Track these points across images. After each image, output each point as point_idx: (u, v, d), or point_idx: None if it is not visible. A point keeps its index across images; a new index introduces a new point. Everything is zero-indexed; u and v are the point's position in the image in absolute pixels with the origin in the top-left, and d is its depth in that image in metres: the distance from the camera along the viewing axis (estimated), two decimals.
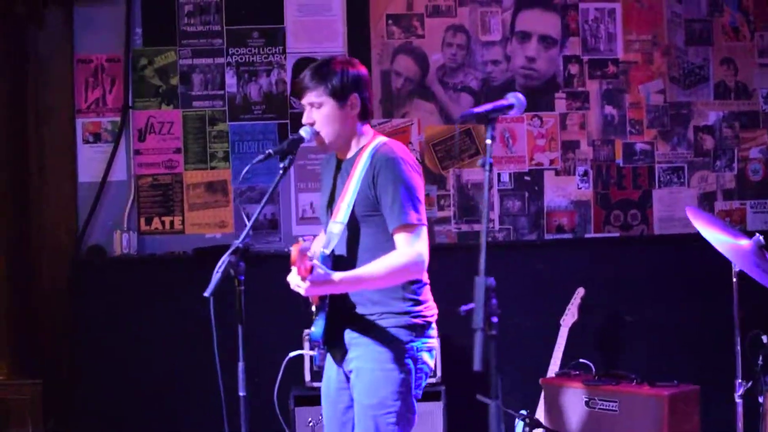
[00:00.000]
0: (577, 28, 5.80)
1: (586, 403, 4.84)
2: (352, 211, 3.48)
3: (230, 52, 5.64)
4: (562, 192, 5.81)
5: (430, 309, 3.56)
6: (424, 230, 3.47)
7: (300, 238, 3.41)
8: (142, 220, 5.66)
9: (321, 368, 3.76)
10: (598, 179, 5.83)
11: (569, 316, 5.28)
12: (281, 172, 3.49)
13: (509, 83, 5.73)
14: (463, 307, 2.56)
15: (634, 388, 4.71)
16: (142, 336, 5.59)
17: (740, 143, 5.94)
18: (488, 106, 2.89)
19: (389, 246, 3.45)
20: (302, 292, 3.33)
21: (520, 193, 5.77)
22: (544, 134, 5.76)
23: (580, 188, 5.82)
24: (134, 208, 5.68)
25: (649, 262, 5.72)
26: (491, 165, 2.76)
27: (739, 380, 3.96)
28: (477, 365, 2.44)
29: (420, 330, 3.52)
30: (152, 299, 5.58)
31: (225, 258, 3.36)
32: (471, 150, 5.79)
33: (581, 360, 5.10)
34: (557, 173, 5.81)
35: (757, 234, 4.00)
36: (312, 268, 3.28)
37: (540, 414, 5.01)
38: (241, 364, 3.43)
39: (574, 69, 5.79)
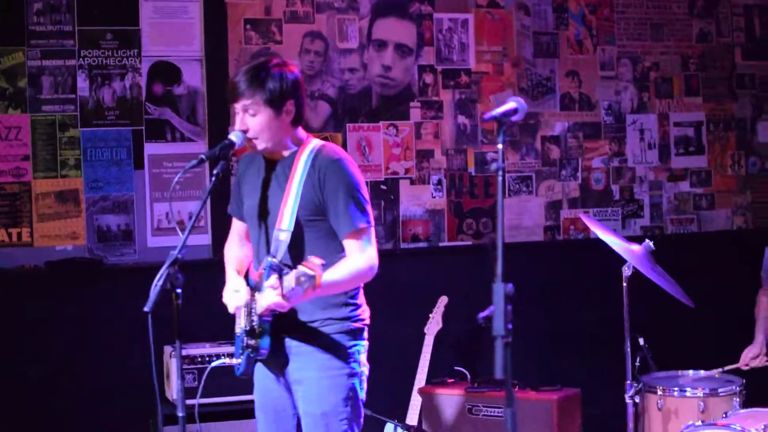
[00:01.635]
0: (431, 37, 6.60)
1: (469, 410, 5.62)
2: (297, 219, 3.91)
3: (82, 54, 6.15)
4: (417, 201, 6.57)
5: (366, 312, 4.11)
6: (373, 232, 4.02)
7: (268, 258, 3.85)
8: None
9: (247, 376, 4.08)
10: (452, 188, 6.61)
11: (433, 324, 6.07)
12: (213, 179, 3.82)
13: (366, 91, 6.48)
14: (481, 314, 3.12)
15: (520, 394, 5.50)
16: None
17: (584, 153, 6.87)
18: (499, 111, 3.30)
19: (333, 250, 3.94)
20: (281, 310, 3.78)
21: (377, 202, 6.50)
22: (399, 143, 6.51)
23: (434, 197, 6.59)
24: None
25: (507, 268, 6.52)
26: (503, 169, 3.21)
27: (629, 381, 4.79)
28: (498, 373, 3.01)
29: (359, 333, 4.06)
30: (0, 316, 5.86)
31: (164, 270, 3.64)
32: None
33: (456, 367, 5.85)
34: (412, 182, 6.54)
35: (647, 239, 4.85)
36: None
37: (413, 422, 5.69)
38: (178, 381, 3.78)
39: (428, 78, 6.57)
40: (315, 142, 4.05)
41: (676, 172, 7.28)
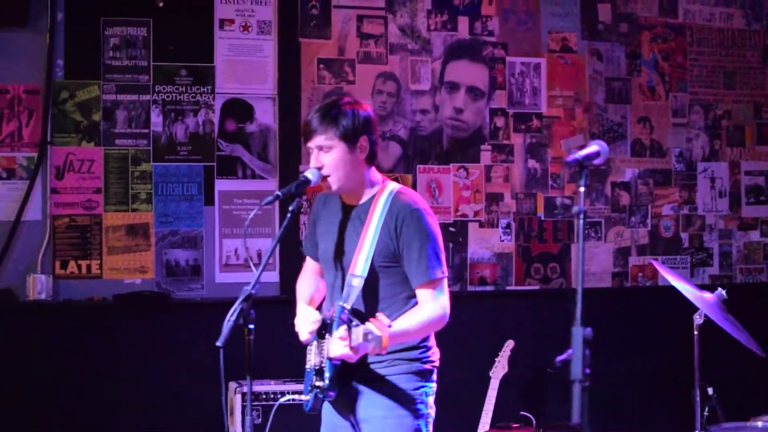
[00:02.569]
0: (503, 81, 6.63)
1: None
2: (372, 265, 3.91)
3: (156, 89, 6.24)
4: (486, 244, 6.54)
5: (436, 354, 4.08)
6: (446, 282, 4.01)
7: (340, 302, 3.85)
8: (58, 263, 6.11)
9: (315, 412, 4.07)
10: (520, 232, 6.58)
11: (499, 368, 6.04)
12: (289, 215, 3.82)
13: (437, 133, 6.51)
14: (558, 358, 3.10)
15: None
16: (58, 385, 5.95)
17: (654, 200, 6.83)
18: (582, 154, 3.31)
19: (404, 296, 3.97)
20: (353, 360, 3.78)
21: (445, 244, 6.42)
22: (469, 186, 6.51)
23: (503, 240, 6.56)
24: (49, 250, 6.14)
25: (571, 314, 6.47)
26: (585, 213, 3.22)
27: (697, 430, 4.72)
28: (576, 417, 2.97)
29: (428, 375, 4.04)
30: (69, 347, 5.90)
31: (237, 306, 3.62)
32: None
33: (522, 412, 5.78)
34: (481, 225, 6.52)
35: (719, 288, 4.79)
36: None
37: None
38: (248, 418, 3.75)
39: (500, 122, 6.57)
40: (392, 186, 4.05)
41: (747, 221, 7.21)
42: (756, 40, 7.24)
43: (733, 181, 7.18)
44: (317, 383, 3.95)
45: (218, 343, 3.58)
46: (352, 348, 3.72)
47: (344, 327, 3.77)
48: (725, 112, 7.16)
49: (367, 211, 3.97)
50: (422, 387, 4.01)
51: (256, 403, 5.66)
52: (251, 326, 3.65)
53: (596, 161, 3.36)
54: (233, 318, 3.63)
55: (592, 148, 3.36)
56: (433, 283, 3.94)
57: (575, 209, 3.22)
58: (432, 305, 3.93)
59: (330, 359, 3.91)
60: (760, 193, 7.24)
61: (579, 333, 3.07)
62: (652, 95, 7.01)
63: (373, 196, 4.00)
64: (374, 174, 4.05)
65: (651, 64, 7.00)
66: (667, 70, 7.03)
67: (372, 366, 3.96)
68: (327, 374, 3.92)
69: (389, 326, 3.66)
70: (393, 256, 3.94)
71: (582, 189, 3.24)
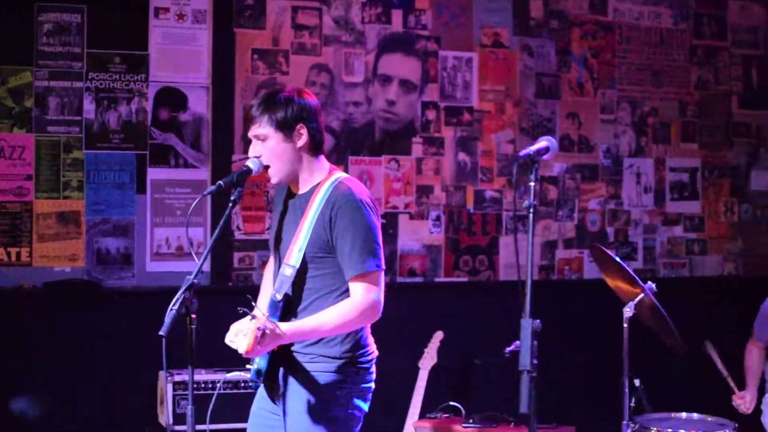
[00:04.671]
0: (436, 74, 6.79)
1: None
2: (304, 256, 3.95)
3: (90, 77, 6.29)
4: (416, 236, 6.73)
5: (368, 354, 4.07)
6: (382, 275, 3.99)
7: (256, 310, 3.86)
8: None
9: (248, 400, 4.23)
10: (450, 224, 6.78)
11: (428, 359, 6.21)
12: (231, 204, 3.91)
13: (369, 125, 6.66)
14: (507, 349, 3.27)
15: (514, 430, 5.63)
16: None
17: (581, 194, 7.06)
18: (532, 149, 3.53)
19: (337, 287, 3.97)
20: (258, 354, 3.85)
21: None
22: (400, 178, 6.67)
23: (432, 232, 6.75)
24: None
25: (499, 306, 6.66)
26: (535, 206, 3.41)
27: (625, 421, 4.93)
28: (524, 407, 3.14)
29: (354, 375, 4.02)
30: None
31: (179, 295, 3.68)
32: None
33: (451, 402, 5.97)
34: (411, 217, 6.71)
35: (649, 282, 5.01)
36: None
37: None
38: (190, 407, 3.79)
39: (431, 115, 6.74)
40: (337, 175, 4.06)
41: (671, 217, 7.50)
42: (683, 39, 7.52)
43: (658, 177, 7.45)
44: (248, 366, 4.05)
45: (161, 332, 3.63)
46: (254, 342, 3.70)
47: (248, 319, 3.76)
48: (652, 110, 7.44)
49: (308, 200, 4.01)
50: (345, 388, 4.00)
51: (185, 392, 5.76)
52: (193, 315, 3.72)
53: (545, 156, 3.58)
54: (176, 307, 3.67)
55: (542, 143, 3.57)
56: (365, 276, 3.92)
57: (525, 203, 3.39)
58: (360, 299, 3.91)
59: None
60: (684, 189, 7.53)
61: (528, 324, 3.25)
62: (581, 91, 7.25)
63: (317, 185, 4.01)
64: (321, 163, 4.07)
65: (580, 61, 7.24)
66: (596, 67, 7.28)
67: (298, 359, 4.00)
68: (256, 358, 4.00)
69: (260, 329, 3.68)
70: (327, 246, 3.96)
71: (532, 184, 3.47)
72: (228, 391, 5.60)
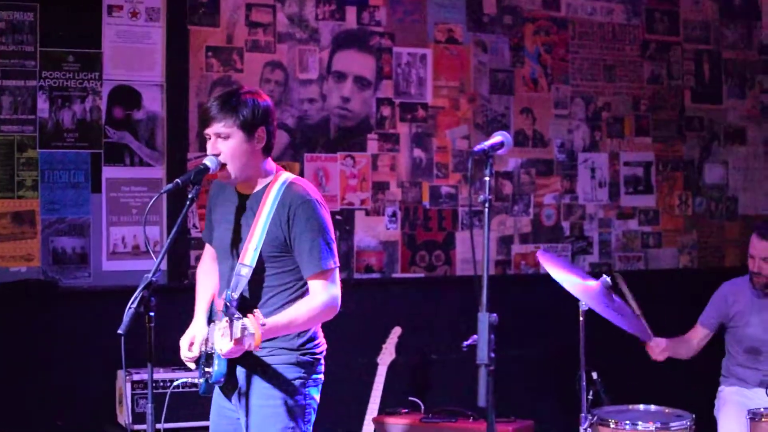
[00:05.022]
0: (390, 71, 6.82)
1: None
2: (260, 255, 4.08)
3: (43, 75, 6.28)
4: (372, 232, 6.76)
5: (321, 345, 4.25)
6: (338, 272, 4.19)
7: (228, 291, 4.02)
8: None
9: (209, 395, 4.28)
10: (406, 220, 6.82)
11: (387, 355, 6.26)
12: (188, 202, 4.01)
13: (324, 122, 6.69)
14: (465, 342, 3.32)
15: (474, 425, 5.76)
16: None
17: (536, 189, 7.12)
18: (487, 144, 3.61)
19: (293, 284, 4.14)
20: (237, 354, 3.94)
21: None
22: (356, 174, 6.71)
23: (389, 228, 6.80)
24: None
25: (456, 301, 6.72)
26: (490, 201, 3.49)
27: (583, 414, 5.00)
28: (481, 401, 3.19)
29: (309, 366, 4.18)
30: None
31: (138, 293, 3.77)
32: None
33: (410, 398, 6.02)
34: (367, 213, 6.75)
35: (604, 275, 5.07)
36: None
37: None
38: (149, 405, 3.86)
39: (386, 111, 6.78)
40: (285, 176, 4.20)
41: (625, 211, 7.58)
42: (635, 35, 7.61)
43: (613, 172, 7.54)
44: (207, 369, 4.14)
45: (120, 331, 3.70)
46: (235, 341, 3.83)
47: (226, 320, 3.89)
48: (605, 104, 7.51)
49: (260, 200, 4.14)
50: (302, 378, 4.14)
51: (146, 391, 5.77)
52: (152, 314, 3.79)
53: (500, 151, 3.66)
54: (134, 305, 3.75)
55: (496, 138, 3.65)
56: (324, 273, 4.10)
57: (481, 197, 3.46)
58: (322, 296, 4.08)
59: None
60: (638, 183, 7.62)
61: (485, 318, 3.29)
62: (535, 87, 7.32)
63: (267, 186, 4.16)
64: (269, 164, 4.21)
65: (534, 57, 7.31)
66: (549, 62, 7.35)
67: (255, 354, 4.08)
68: (215, 361, 4.10)
69: (263, 324, 3.85)
70: (283, 245, 4.11)
71: (487, 178, 3.52)
72: (187, 390, 5.60)
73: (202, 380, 4.20)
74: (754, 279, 6.01)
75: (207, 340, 4.19)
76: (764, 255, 5.92)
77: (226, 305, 4.05)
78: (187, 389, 5.58)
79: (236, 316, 3.89)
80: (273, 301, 4.13)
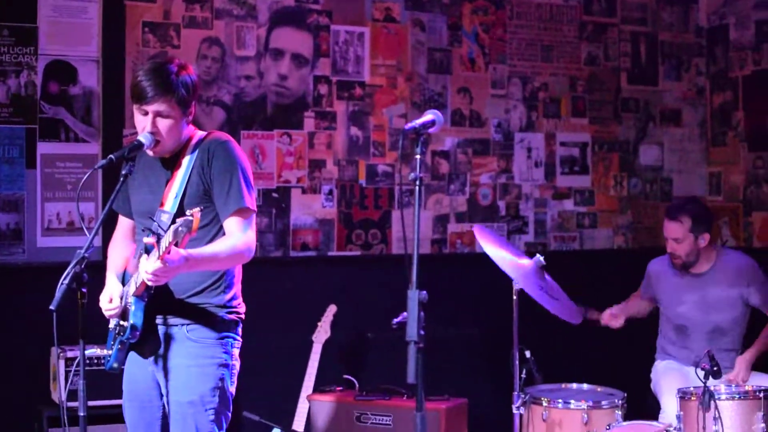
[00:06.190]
0: (328, 49, 6.91)
1: (357, 419, 5.94)
2: (181, 201, 4.12)
3: None
4: (308, 210, 6.86)
5: (242, 306, 4.29)
6: (255, 218, 4.23)
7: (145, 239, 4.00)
8: None
9: (117, 370, 4.22)
10: (342, 198, 6.92)
11: (322, 333, 6.36)
12: (122, 178, 4.05)
13: (261, 99, 6.76)
14: (395, 320, 3.42)
15: (407, 402, 5.89)
16: None
17: (472, 169, 7.25)
18: (418, 122, 3.67)
19: (213, 237, 4.15)
20: (161, 278, 3.88)
21: (268, 210, 6.75)
22: (292, 152, 6.80)
23: (325, 206, 6.90)
24: None
25: (392, 279, 6.82)
26: (421, 179, 3.56)
27: (516, 392, 5.14)
28: (411, 378, 3.28)
29: (233, 326, 4.24)
30: None
31: (70, 269, 3.81)
32: None
33: (345, 376, 6.14)
34: (304, 191, 6.84)
35: (538, 254, 5.21)
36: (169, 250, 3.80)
37: (300, 428, 5.98)
38: (81, 382, 3.93)
39: (323, 89, 6.88)
40: (199, 132, 4.30)
41: (561, 191, 7.74)
42: (572, 15, 7.75)
43: (549, 152, 7.69)
44: (122, 323, 4.09)
45: (51, 307, 3.75)
46: (162, 259, 3.77)
47: (154, 239, 3.88)
48: (542, 85, 7.67)
49: (179, 155, 4.21)
50: (226, 337, 4.18)
51: (78, 368, 5.81)
52: (84, 290, 3.84)
53: (431, 129, 3.73)
54: (66, 281, 3.80)
55: (428, 117, 3.75)
56: (242, 212, 4.13)
57: (411, 175, 3.56)
58: (239, 235, 4.10)
59: (135, 296, 4.05)
60: (574, 163, 7.78)
61: (415, 296, 3.34)
62: (472, 66, 7.45)
63: (185, 144, 4.22)
64: (189, 128, 4.28)
65: (472, 36, 7.43)
66: (487, 42, 7.48)
67: (177, 309, 4.14)
68: (133, 309, 4.06)
69: (201, 209, 3.79)
70: (203, 195, 4.16)
71: (418, 156, 3.59)
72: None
73: (112, 350, 4.16)
74: (672, 260, 6.21)
75: (121, 297, 4.16)
76: (674, 236, 6.11)
77: (146, 245, 3.97)
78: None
79: (162, 234, 3.86)
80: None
